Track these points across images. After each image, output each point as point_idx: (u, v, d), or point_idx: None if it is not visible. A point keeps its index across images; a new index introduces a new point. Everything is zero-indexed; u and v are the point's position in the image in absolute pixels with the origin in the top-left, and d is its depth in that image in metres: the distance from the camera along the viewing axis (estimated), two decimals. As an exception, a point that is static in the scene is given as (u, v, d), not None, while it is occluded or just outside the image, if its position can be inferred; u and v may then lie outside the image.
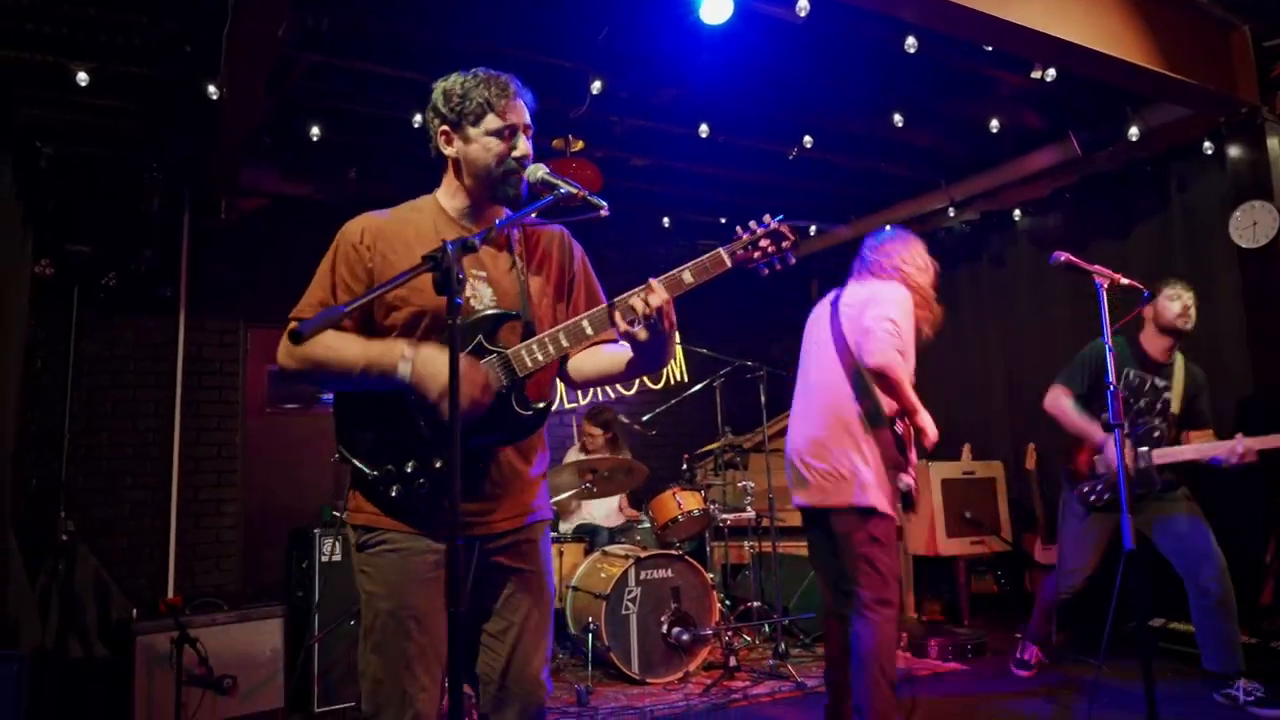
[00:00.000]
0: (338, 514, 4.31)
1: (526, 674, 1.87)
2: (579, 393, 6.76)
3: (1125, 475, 2.11)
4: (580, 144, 5.22)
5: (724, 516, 5.06)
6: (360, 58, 4.40)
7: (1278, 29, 4.77)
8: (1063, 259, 2.59)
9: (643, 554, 4.50)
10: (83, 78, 4.17)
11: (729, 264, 1.81)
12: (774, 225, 1.84)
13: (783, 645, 4.55)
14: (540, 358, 1.79)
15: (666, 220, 6.88)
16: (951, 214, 6.47)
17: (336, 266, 1.86)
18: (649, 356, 1.88)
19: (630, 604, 4.37)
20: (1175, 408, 3.83)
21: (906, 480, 3.09)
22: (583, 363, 2.02)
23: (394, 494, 1.76)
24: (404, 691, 1.75)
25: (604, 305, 1.83)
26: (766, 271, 1.86)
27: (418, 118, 4.82)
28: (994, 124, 5.32)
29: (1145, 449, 3.69)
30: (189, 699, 3.81)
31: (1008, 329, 6.43)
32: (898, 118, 5.18)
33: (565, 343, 1.81)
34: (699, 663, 4.47)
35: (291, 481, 5.78)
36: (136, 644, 3.80)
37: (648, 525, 5.09)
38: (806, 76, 4.82)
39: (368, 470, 1.77)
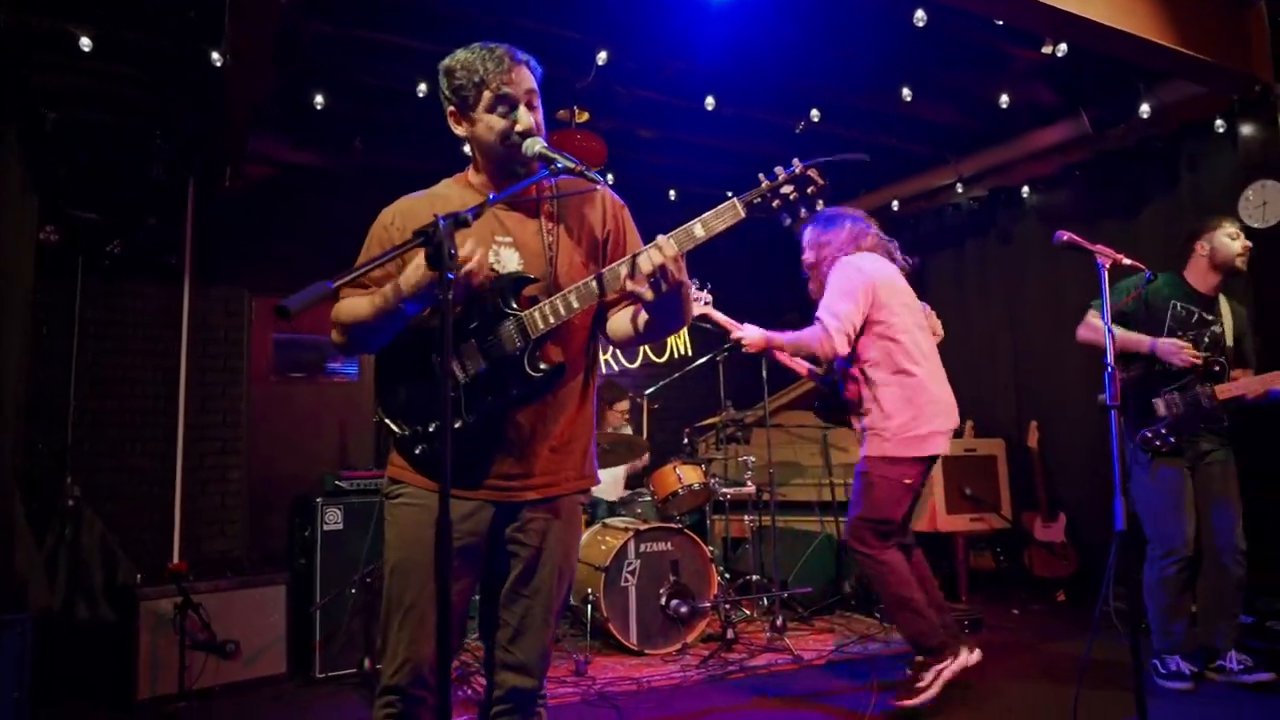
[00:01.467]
0: (340, 483, 4.35)
1: (534, 646, 1.90)
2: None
3: (1120, 451, 2.11)
4: (585, 115, 5.18)
5: (725, 491, 5.08)
6: (367, 27, 4.37)
7: (1295, 5, 4.70)
8: (1064, 238, 2.57)
9: (642, 527, 4.52)
10: (86, 43, 4.15)
11: (743, 214, 1.77)
12: (800, 169, 1.78)
13: (780, 619, 4.58)
14: (552, 319, 1.80)
15: (673, 193, 6.84)
16: (960, 190, 6.41)
17: (369, 247, 1.95)
18: (661, 316, 1.87)
19: (629, 576, 4.40)
20: (1229, 341, 3.72)
21: None
22: (616, 324, 2.00)
23: (418, 452, 1.84)
24: (397, 641, 1.81)
25: (613, 264, 1.83)
26: (789, 221, 1.84)
27: (423, 87, 4.80)
28: (1004, 99, 5.25)
29: (1208, 385, 3.56)
30: (192, 662, 3.87)
31: (1014, 306, 6.40)
32: (906, 92, 5.12)
33: (576, 304, 1.81)
34: (697, 635, 4.51)
35: (295, 450, 5.82)
36: (140, 608, 3.87)
37: (649, 498, 5.11)
38: (815, 49, 4.77)
39: (398, 430, 1.87)
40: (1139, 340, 3.63)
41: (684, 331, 7.39)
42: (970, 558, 5.68)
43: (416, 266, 1.71)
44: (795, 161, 1.82)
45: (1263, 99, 4.77)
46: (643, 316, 1.91)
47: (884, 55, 4.87)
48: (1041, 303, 6.19)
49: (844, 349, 3.47)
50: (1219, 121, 5.01)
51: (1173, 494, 3.60)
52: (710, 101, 5.07)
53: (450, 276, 1.40)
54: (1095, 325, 3.75)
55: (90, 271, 5.06)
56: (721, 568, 5.07)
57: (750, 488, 5.10)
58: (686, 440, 5.28)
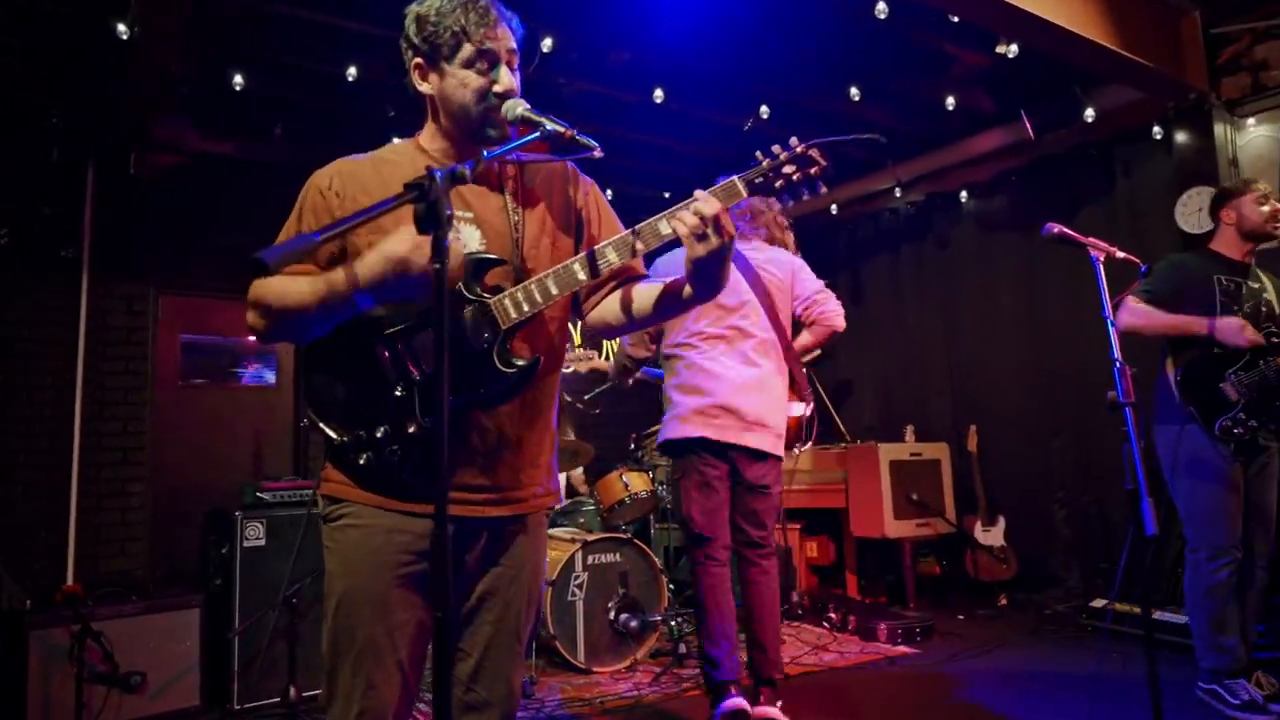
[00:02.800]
0: (262, 495, 3.99)
1: (500, 680, 1.65)
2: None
3: (1141, 451, 2.00)
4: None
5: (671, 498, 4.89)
6: (291, 3, 4.03)
7: (1225, 15, 4.82)
8: (1055, 230, 2.47)
9: (590, 537, 4.30)
10: (-30, 7, 3.73)
11: (744, 194, 1.59)
12: (801, 149, 1.60)
13: (732, 631, 4.40)
14: (526, 307, 1.57)
15: (610, 193, 6.65)
16: (898, 194, 6.41)
17: (303, 216, 1.66)
18: (705, 280, 1.63)
19: (576, 590, 4.17)
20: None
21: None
22: (608, 308, 1.77)
23: (363, 462, 1.56)
24: (350, 687, 1.54)
25: (588, 250, 1.62)
26: (791, 202, 1.67)
27: (352, 71, 4.49)
28: (950, 101, 5.24)
29: (1272, 358, 3.20)
30: (91, 698, 3.46)
31: (951, 310, 6.42)
32: (854, 91, 5.06)
33: (555, 290, 1.58)
34: (646, 650, 4.30)
35: (207, 460, 5.39)
36: (31, 638, 3.43)
37: (592, 507, 4.89)
38: (766, 45, 4.67)
39: (335, 435, 1.58)
40: (1193, 322, 3.22)
41: (617, 341, 7.19)
42: (917, 564, 5.63)
43: (383, 254, 1.47)
44: (793, 140, 1.65)
45: (1197, 107, 4.87)
46: (654, 291, 1.70)
47: (834, 54, 4.80)
48: (977, 307, 6.23)
49: (637, 351, 3.60)
50: (1156, 128, 5.09)
51: (1233, 492, 3.25)
52: (659, 94, 4.91)
53: (445, 244, 1.17)
54: (1138, 309, 3.32)
55: (-28, 264, 4.56)
56: (667, 578, 4.87)
57: (698, 495, 4.91)
58: (634, 446, 5.07)
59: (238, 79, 4.54)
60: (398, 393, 1.56)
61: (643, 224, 1.61)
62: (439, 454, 1.17)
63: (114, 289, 5.14)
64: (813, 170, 1.64)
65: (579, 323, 1.88)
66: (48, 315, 4.91)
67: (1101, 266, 2.33)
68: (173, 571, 5.07)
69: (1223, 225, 3.47)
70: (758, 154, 1.69)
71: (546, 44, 4.34)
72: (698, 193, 1.56)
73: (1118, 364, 2.11)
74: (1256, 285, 3.38)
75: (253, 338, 5.87)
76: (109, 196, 5.10)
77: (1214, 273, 3.36)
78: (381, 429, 1.56)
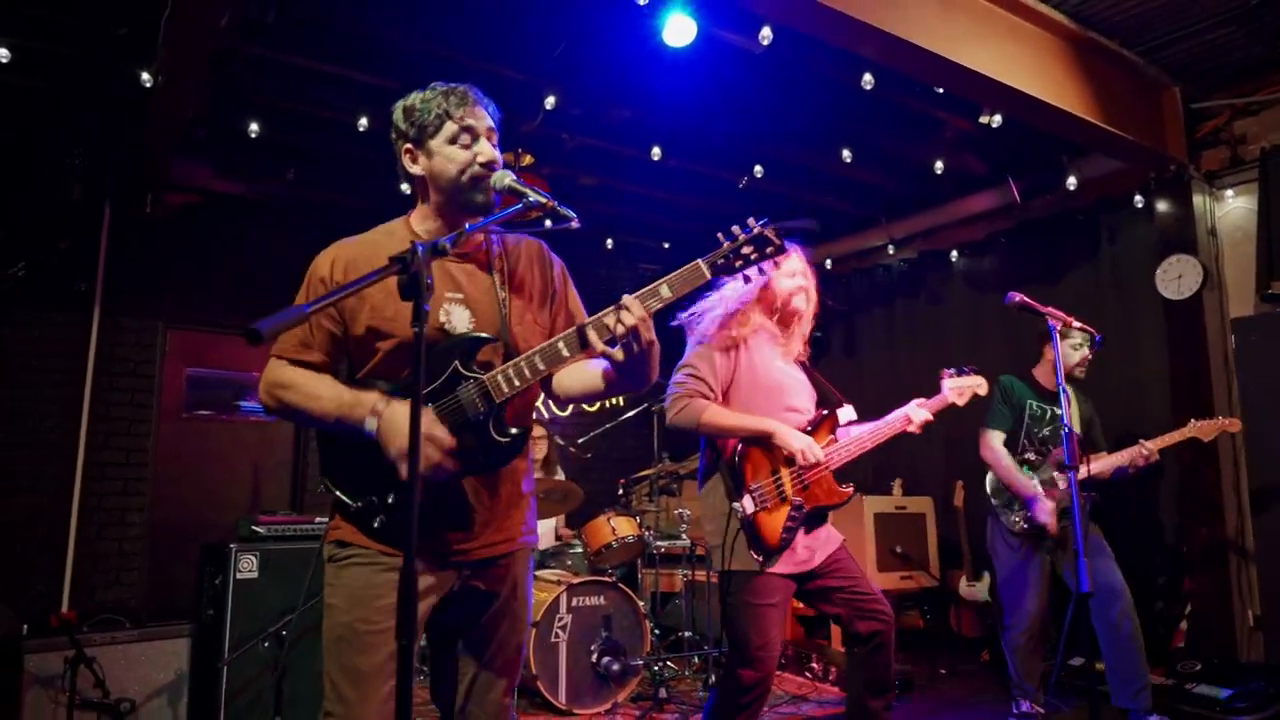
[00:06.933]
0: (257, 529, 4.09)
1: (487, 700, 1.84)
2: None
3: (1081, 516, 2.11)
4: (530, 159, 5.13)
5: (659, 544, 4.97)
6: (307, 54, 4.24)
7: (1205, 92, 5.00)
8: (1017, 299, 2.61)
9: (575, 580, 4.38)
10: (4, 54, 3.93)
11: (708, 275, 1.76)
12: (758, 229, 1.78)
13: (713, 677, 4.47)
14: (517, 382, 1.73)
15: (610, 241, 6.83)
16: (890, 251, 6.57)
17: (308, 297, 1.82)
18: (628, 375, 1.82)
19: (560, 631, 4.24)
20: (1077, 429, 3.91)
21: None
22: (568, 379, 1.94)
23: (376, 525, 1.73)
24: (350, 709, 1.69)
25: (577, 325, 1.77)
26: (749, 281, 1.84)
27: (364, 121, 4.68)
28: (939, 165, 5.41)
29: (1061, 473, 3.75)
30: (81, 724, 3.54)
31: (942, 365, 6.46)
32: (846, 153, 5.24)
33: (541, 366, 1.73)
34: (628, 694, 4.35)
35: (206, 492, 5.50)
36: (25, 663, 3.52)
37: (580, 550, 4.97)
38: (761, 107, 4.85)
39: (350, 501, 1.75)
40: (1024, 490, 3.77)
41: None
42: (899, 616, 5.68)
43: (400, 428, 1.58)
44: (751, 221, 1.83)
45: (1177, 178, 5.03)
46: (599, 374, 1.88)
47: (827, 118, 4.98)
48: (967, 363, 6.32)
49: None
50: (1138, 197, 5.24)
51: (1024, 570, 3.81)
52: (657, 152, 5.09)
53: (425, 309, 1.31)
54: (999, 450, 3.87)
55: (-11, 294, 4.73)
56: (651, 623, 4.94)
57: (685, 541, 5.01)
58: (622, 491, 5.17)
59: (253, 125, 4.74)
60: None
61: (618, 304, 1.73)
62: (411, 509, 1.30)
63: (124, 322, 5.30)
64: (768, 249, 1.81)
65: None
66: (58, 345, 5.06)
67: (1058, 335, 2.45)
68: (167, 602, 5.14)
69: (1044, 359, 3.95)
70: (719, 235, 1.84)
71: (550, 101, 4.53)
72: (625, 299, 1.69)
73: (1066, 428, 2.23)
74: (1059, 412, 3.78)
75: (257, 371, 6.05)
76: (124, 233, 5.28)
77: (1026, 398, 3.89)
78: (392, 495, 1.73)
